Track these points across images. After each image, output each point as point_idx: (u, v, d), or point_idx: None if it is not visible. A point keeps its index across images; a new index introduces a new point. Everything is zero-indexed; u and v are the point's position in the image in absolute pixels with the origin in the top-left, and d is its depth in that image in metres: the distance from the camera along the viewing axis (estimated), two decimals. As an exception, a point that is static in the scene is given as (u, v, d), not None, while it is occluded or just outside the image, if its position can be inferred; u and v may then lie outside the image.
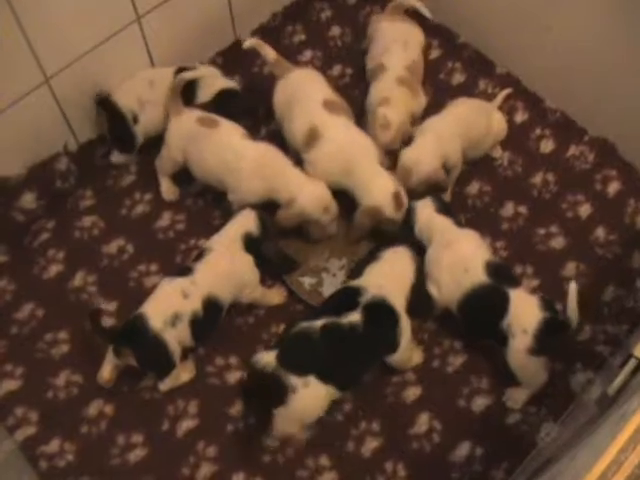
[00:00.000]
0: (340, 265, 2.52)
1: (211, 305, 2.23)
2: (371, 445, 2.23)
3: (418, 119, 2.66)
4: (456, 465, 2.20)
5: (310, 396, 2.05)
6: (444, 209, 2.38)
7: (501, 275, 2.23)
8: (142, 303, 2.22)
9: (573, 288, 2.08)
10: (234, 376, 2.33)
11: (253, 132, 2.56)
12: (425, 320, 2.40)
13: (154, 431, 2.24)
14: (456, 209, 2.51)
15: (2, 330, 2.39)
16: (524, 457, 2.19)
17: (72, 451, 2.21)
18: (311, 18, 3.10)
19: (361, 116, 2.67)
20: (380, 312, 2.15)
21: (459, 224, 2.37)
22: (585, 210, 2.64)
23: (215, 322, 2.30)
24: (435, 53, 3.00)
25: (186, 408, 2.27)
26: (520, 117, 2.84)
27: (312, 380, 2.04)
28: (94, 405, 2.28)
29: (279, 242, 2.45)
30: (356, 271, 2.30)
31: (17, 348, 2.36)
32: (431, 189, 2.46)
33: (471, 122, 2.56)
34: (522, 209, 2.64)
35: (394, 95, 2.58)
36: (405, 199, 2.42)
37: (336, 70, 2.96)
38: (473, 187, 2.68)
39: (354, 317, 2.10)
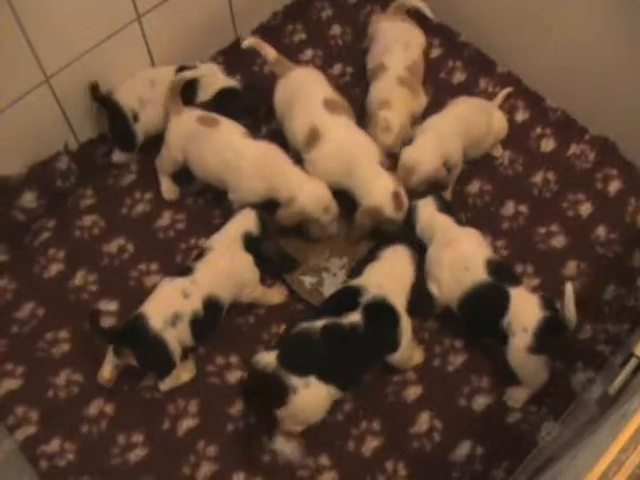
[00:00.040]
0: (341, 264, 2.52)
1: (211, 305, 2.23)
2: (371, 444, 2.23)
3: (418, 118, 2.66)
4: (457, 464, 2.20)
5: (311, 396, 2.05)
6: (445, 208, 2.38)
7: (502, 273, 2.23)
8: (142, 302, 2.22)
9: (569, 289, 2.08)
10: (234, 375, 2.33)
11: (254, 131, 2.56)
12: (425, 319, 2.40)
13: (154, 430, 2.24)
14: (457, 208, 2.51)
15: (3, 329, 2.39)
16: (525, 456, 2.19)
17: (72, 451, 2.21)
18: (312, 17, 3.10)
19: (362, 115, 2.66)
20: (381, 312, 2.15)
21: (460, 223, 2.37)
22: (586, 209, 2.63)
23: (215, 322, 2.30)
24: (436, 52, 3.00)
25: (186, 407, 2.27)
26: (521, 116, 2.83)
27: (313, 380, 2.04)
28: (94, 404, 2.28)
29: (279, 241, 2.45)
30: (356, 270, 2.30)
31: (17, 347, 2.36)
32: (432, 188, 2.46)
33: (472, 121, 2.56)
34: (523, 208, 2.63)
35: (395, 96, 2.58)
36: (405, 199, 2.41)
37: (337, 69, 2.96)
38: (474, 186, 2.68)
39: (354, 317, 2.10)
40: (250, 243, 2.34)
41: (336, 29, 3.07)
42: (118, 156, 2.68)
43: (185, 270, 2.26)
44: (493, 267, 2.23)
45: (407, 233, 2.40)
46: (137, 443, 2.23)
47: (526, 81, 2.87)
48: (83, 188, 2.65)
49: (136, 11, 2.53)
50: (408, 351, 2.24)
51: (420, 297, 2.28)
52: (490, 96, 2.82)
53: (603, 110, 2.68)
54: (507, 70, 2.91)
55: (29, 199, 2.54)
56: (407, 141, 2.52)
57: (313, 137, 2.45)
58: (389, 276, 2.23)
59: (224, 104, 2.58)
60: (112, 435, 2.24)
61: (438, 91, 2.85)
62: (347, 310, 2.11)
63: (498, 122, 2.67)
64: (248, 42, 2.61)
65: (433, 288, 2.30)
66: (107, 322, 2.39)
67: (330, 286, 2.46)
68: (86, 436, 2.23)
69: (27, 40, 2.27)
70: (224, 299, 2.27)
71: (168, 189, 2.63)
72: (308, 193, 2.39)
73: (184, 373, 2.28)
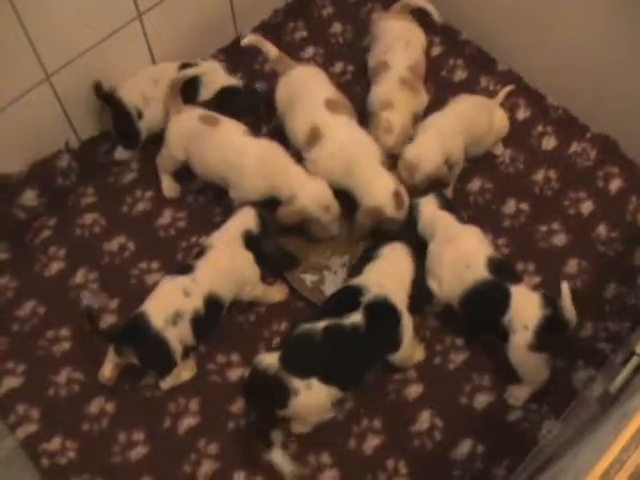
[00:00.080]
0: (342, 263, 2.51)
1: (212, 303, 2.23)
2: (372, 443, 2.23)
3: (420, 117, 2.65)
4: (458, 462, 2.20)
5: (312, 398, 2.06)
6: (447, 206, 2.38)
7: (503, 271, 2.23)
8: (143, 301, 2.22)
9: (565, 288, 2.07)
10: (235, 374, 2.33)
11: (255, 130, 2.55)
12: (426, 315, 2.40)
13: (155, 429, 2.25)
14: (458, 206, 2.50)
15: (3, 327, 2.39)
16: (526, 454, 2.19)
17: (73, 449, 2.21)
18: (312, 15, 3.09)
19: (363, 113, 2.66)
20: (382, 311, 2.15)
21: (461, 220, 2.36)
22: (587, 207, 2.63)
23: (216, 320, 2.30)
24: (437, 50, 2.99)
25: (187, 406, 2.27)
26: (522, 114, 2.83)
27: (314, 382, 2.04)
28: (95, 403, 2.28)
29: (280, 239, 2.45)
30: (355, 269, 2.30)
31: (18, 345, 2.36)
32: (433, 186, 2.46)
33: (473, 119, 2.56)
34: (524, 206, 2.63)
35: (396, 97, 2.58)
36: (406, 198, 2.41)
37: (338, 67, 2.96)
38: (475, 184, 2.68)
39: (356, 317, 2.10)
40: (250, 241, 2.33)
41: (337, 27, 3.07)
42: (121, 153, 2.68)
43: (186, 268, 2.26)
44: (494, 265, 2.23)
45: (408, 231, 2.40)
46: (138, 441, 2.23)
47: (527, 79, 2.87)
48: (84, 186, 2.65)
49: (137, 9, 2.52)
50: (409, 350, 2.24)
51: (419, 292, 2.28)
52: (491, 94, 2.81)
53: (604, 108, 2.68)
54: (508, 68, 2.91)
55: (30, 197, 2.54)
56: (408, 140, 2.52)
57: (314, 136, 2.45)
58: (389, 275, 2.23)
59: (225, 103, 2.58)
60: (113, 433, 2.24)
61: (439, 89, 2.85)
62: (348, 310, 2.11)
63: (499, 120, 2.67)
64: (248, 40, 2.61)
65: (434, 285, 2.30)
66: (108, 320, 2.40)
67: (331, 284, 2.46)
68: (87, 434, 2.23)
69: (28, 38, 2.27)
70: (225, 297, 2.27)
71: (169, 187, 2.63)
72: (309, 192, 2.39)
73: (185, 372, 2.28)
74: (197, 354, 2.34)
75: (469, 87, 2.88)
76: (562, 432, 2.13)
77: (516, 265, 2.48)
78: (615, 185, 2.67)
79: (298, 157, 2.48)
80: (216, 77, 2.65)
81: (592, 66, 2.61)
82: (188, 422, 2.25)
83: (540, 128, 2.80)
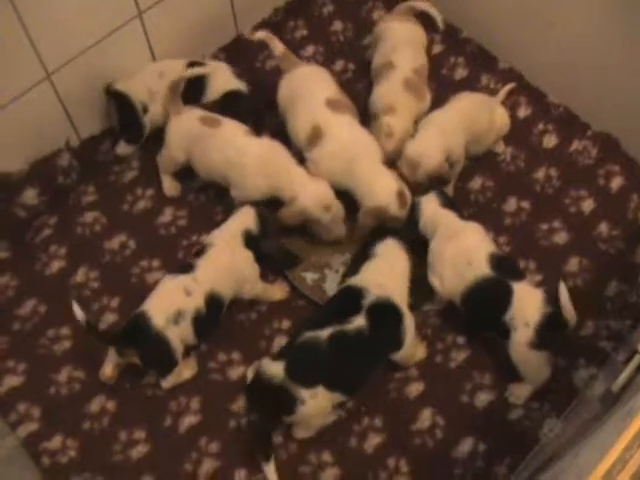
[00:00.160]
0: (343, 261, 2.51)
1: (213, 302, 2.23)
2: (374, 441, 2.23)
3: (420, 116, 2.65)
4: (459, 461, 2.20)
5: (318, 405, 2.07)
6: (448, 203, 2.38)
7: (505, 268, 2.23)
8: (144, 299, 2.22)
9: (563, 288, 2.07)
10: (236, 372, 2.33)
11: (256, 131, 2.53)
12: (427, 313, 2.40)
13: (156, 427, 2.24)
14: (459, 204, 2.49)
15: (4, 326, 2.39)
16: (527, 453, 2.19)
17: (74, 447, 2.21)
18: (313, 13, 3.09)
19: (365, 112, 2.66)
20: (385, 312, 2.15)
21: (463, 218, 2.36)
22: (588, 205, 2.63)
23: (217, 319, 2.29)
24: (438, 48, 2.99)
25: (188, 404, 2.27)
26: (523, 112, 2.83)
27: (320, 390, 2.05)
28: (96, 401, 2.28)
29: (282, 239, 2.45)
30: (352, 269, 2.30)
31: (19, 344, 2.36)
32: (434, 183, 2.45)
33: (474, 116, 2.55)
34: (525, 204, 2.63)
35: (399, 101, 2.57)
36: (409, 196, 2.41)
37: (338, 65, 2.95)
38: (476, 182, 2.67)
39: (359, 321, 2.09)
40: (250, 240, 2.34)
41: (337, 25, 3.06)
42: (123, 148, 2.68)
43: (186, 267, 2.26)
44: (496, 261, 2.23)
45: (409, 229, 2.40)
46: (139, 440, 2.23)
47: (528, 77, 2.87)
48: (84, 185, 2.65)
49: (137, 8, 2.52)
50: (411, 348, 2.24)
51: (419, 289, 2.29)
52: (492, 92, 2.81)
53: (605, 106, 2.68)
54: (509, 66, 2.90)
55: (30, 196, 2.54)
56: (409, 137, 2.52)
57: (315, 136, 2.44)
58: (388, 274, 2.23)
59: (229, 106, 2.57)
60: (114, 432, 2.24)
61: (440, 87, 2.84)
62: (350, 313, 2.11)
63: (500, 118, 2.67)
64: (259, 35, 2.61)
65: (436, 283, 2.30)
66: (109, 318, 2.40)
67: (332, 283, 2.46)
68: (88, 433, 2.23)
69: (28, 37, 2.27)
70: (225, 296, 2.27)
71: (169, 186, 2.63)
72: (310, 192, 2.38)
73: (186, 370, 2.28)
74: (198, 353, 2.34)
75: (470, 85, 2.88)
76: (563, 431, 2.13)
77: (517, 263, 2.48)
78: (616, 183, 2.67)
79: (300, 157, 2.48)
80: (223, 80, 2.63)
81: (593, 64, 2.61)
82: (189, 421, 2.25)
83: (541, 126, 2.80)
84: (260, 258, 2.35)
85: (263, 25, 3.00)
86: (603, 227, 2.58)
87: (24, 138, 2.50)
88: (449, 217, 2.34)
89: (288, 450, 2.20)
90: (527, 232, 2.57)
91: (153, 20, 2.60)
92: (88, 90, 2.57)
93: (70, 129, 2.63)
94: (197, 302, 2.20)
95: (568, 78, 2.73)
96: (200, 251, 2.30)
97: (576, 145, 2.74)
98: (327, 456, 2.21)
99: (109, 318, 2.40)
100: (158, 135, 2.58)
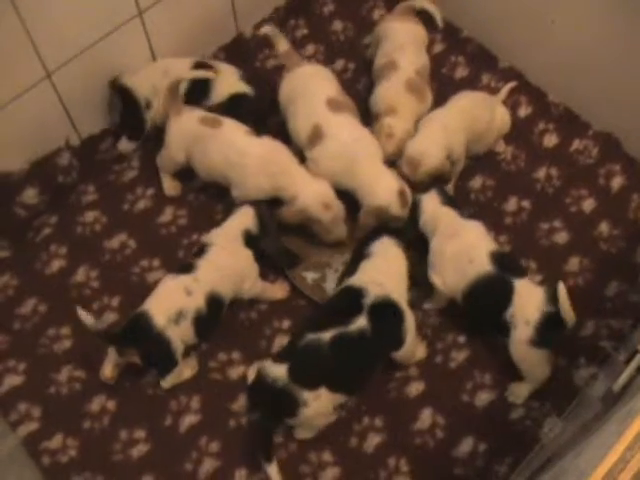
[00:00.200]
0: (343, 260, 2.50)
1: (214, 301, 2.23)
2: (374, 441, 2.23)
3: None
4: (459, 460, 2.20)
5: (321, 407, 2.07)
6: (449, 201, 2.38)
7: (506, 265, 2.23)
8: (144, 298, 2.22)
9: (562, 288, 2.07)
10: (237, 371, 2.33)
11: (257, 132, 2.53)
12: (427, 313, 2.40)
13: (157, 427, 2.25)
14: (459, 203, 2.49)
15: (5, 325, 2.39)
16: (527, 452, 2.19)
17: (75, 447, 2.21)
18: (314, 12, 3.09)
19: (366, 112, 2.65)
20: (386, 311, 2.14)
21: (463, 216, 2.36)
22: (589, 205, 2.63)
23: (217, 319, 2.29)
24: (438, 47, 2.99)
25: (188, 403, 2.27)
26: (524, 111, 2.83)
27: (323, 392, 2.05)
28: (96, 401, 2.28)
29: (282, 238, 2.44)
30: (350, 269, 2.30)
31: (20, 344, 2.36)
32: (435, 181, 2.45)
33: (475, 115, 2.55)
34: (525, 204, 2.63)
35: (401, 103, 2.57)
36: (409, 195, 2.41)
37: (339, 64, 2.95)
38: (476, 182, 2.67)
39: (361, 322, 2.09)
40: (250, 239, 2.34)
41: (338, 24, 3.06)
42: (124, 145, 2.69)
43: (187, 267, 2.26)
44: (497, 258, 2.23)
45: (409, 227, 2.40)
46: (139, 439, 2.23)
47: (529, 76, 2.87)
48: (85, 184, 2.65)
49: (138, 7, 2.52)
50: (412, 347, 2.24)
51: (418, 284, 2.31)
52: (492, 92, 2.80)
53: (606, 106, 2.68)
54: (509, 66, 2.90)
55: (31, 195, 2.54)
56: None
57: (316, 135, 2.44)
58: (385, 272, 2.23)
59: (235, 109, 2.56)
60: (114, 431, 2.24)
61: (441, 87, 2.84)
62: (351, 313, 2.11)
63: (501, 117, 2.67)
64: (265, 30, 2.60)
65: (437, 281, 2.30)
66: (109, 317, 2.40)
67: (332, 282, 2.46)
68: (88, 432, 2.23)
69: (29, 36, 2.27)
70: (225, 295, 2.27)
71: (169, 186, 2.63)
72: (311, 192, 2.38)
73: (186, 370, 2.28)
74: (198, 352, 2.34)
75: (470, 84, 2.87)
76: (564, 431, 2.12)
77: (518, 263, 2.48)
78: (617, 183, 2.67)
79: (300, 156, 2.48)
80: (229, 83, 2.62)
81: (594, 63, 2.61)
82: (189, 420, 2.25)
83: (542, 125, 2.80)
84: (260, 257, 2.35)
85: (263, 25, 2.97)
86: (604, 227, 2.58)
87: (24, 137, 2.50)
88: (450, 215, 2.34)
89: (288, 450, 2.20)
90: (527, 231, 2.57)
91: (153, 19, 2.59)
92: (88, 89, 2.57)
93: (70, 128, 2.62)
94: (198, 302, 2.20)
95: (569, 77, 2.73)
96: (200, 250, 2.30)
97: (577, 144, 2.74)
98: (327, 456, 2.20)
99: (109, 317, 2.40)
100: (158, 135, 2.58)
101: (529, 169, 2.70)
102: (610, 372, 2.08)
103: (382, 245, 2.30)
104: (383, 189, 2.38)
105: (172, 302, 2.18)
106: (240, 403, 2.28)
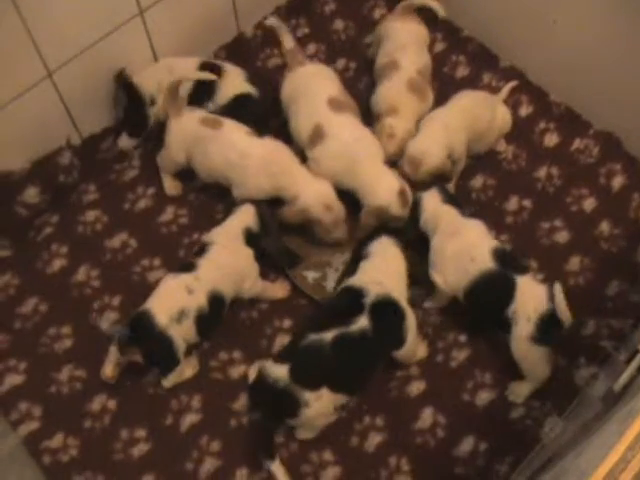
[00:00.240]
0: (344, 260, 2.50)
1: (215, 300, 2.23)
2: (375, 440, 2.23)
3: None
4: (460, 460, 2.20)
5: (322, 407, 2.07)
6: (450, 199, 2.38)
7: (508, 261, 2.23)
8: (145, 297, 2.22)
9: (558, 289, 2.07)
10: (237, 371, 2.33)
11: (258, 132, 2.52)
12: (428, 312, 2.40)
13: (157, 426, 2.25)
14: (460, 202, 2.50)
15: (6, 325, 2.39)
16: (528, 452, 2.19)
17: (75, 446, 2.21)
18: (315, 11, 3.09)
19: (367, 112, 2.65)
20: (387, 310, 2.14)
21: (464, 215, 2.36)
22: (589, 204, 2.63)
23: (219, 318, 2.29)
24: (439, 46, 2.98)
25: (189, 403, 2.27)
26: (524, 111, 2.82)
27: (325, 392, 2.05)
28: (97, 400, 2.28)
29: (283, 237, 2.44)
30: (350, 270, 2.30)
31: (20, 343, 2.37)
32: (436, 180, 2.45)
33: (476, 114, 2.55)
34: (526, 203, 2.63)
35: (402, 103, 2.57)
36: (410, 195, 2.41)
37: (340, 64, 2.95)
38: (477, 181, 2.67)
39: (362, 322, 2.09)
40: (250, 238, 2.34)
41: (339, 24, 3.06)
42: (125, 141, 2.69)
43: (188, 266, 2.26)
44: (499, 255, 2.22)
45: (409, 225, 2.40)
46: (140, 438, 2.23)
47: (530, 76, 2.86)
48: (86, 183, 2.65)
49: (139, 6, 2.52)
50: (413, 345, 2.24)
51: (418, 283, 2.31)
52: (493, 91, 2.80)
53: (607, 105, 2.67)
54: (510, 65, 2.90)
55: (32, 194, 2.54)
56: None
57: (317, 135, 2.44)
58: (385, 272, 2.23)
59: (239, 110, 2.56)
60: (115, 430, 2.24)
61: (442, 86, 2.84)
62: (351, 313, 2.11)
63: (502, 116, 2.67)
64: (270, 22, 2.61)
65: (438, 279, 2.30)
66: (110, 317, 2.40)
67: (333, 281, 2.46)
68: (89, 431, 2.24)
69: (30, 35, 2.27)
70: (227, 294, 2.27)
71: (170, 186, 2.63)
72: (311, 192, 2.38)
73: (187, 369, 2.28)
74: (199, 351, 2.34)
75: (471, 84, 2.87)
76: (564, 430, 2.12)
77: (518, 262, 2.48)
78: (618, 182, 2.67)
79: (302, 156, 2.48)
80: (234, 85, 2.62)
81: (595, 63, 2.60)
82: (190, 419, 2.25)
83: (543, 125, 2.79)
84: (261, 256, 2.36)
85: (264, 24, 2.99)
86: (604, 226, 2.58)
87: (25, 137, 2.50)
88: (451, 213, 2.33)
89: (289, 449, 2.20)
90: (528, 231, 2.57)
91: (154, 18, 2.59)
92: (89, 89, 2.57)
93: (71, 127, 2.62)
94: (199, 301, 2.20)
95: (570, 77, 2.73)
96: (201, 249, 2.30)
97: (577, 144, 2.74)
98: (328, 455, 2.20)
99: (110, 316, 2.40)
100: (159, 134, 2.57)
101: (530, 168, 2.70)
102: (611, 372, 2.08)
103: (381, 245, 2.30)
104: (384, 189, 2.38)
105: (174, 301, 2.18)
106: (241, 402, 2.28)
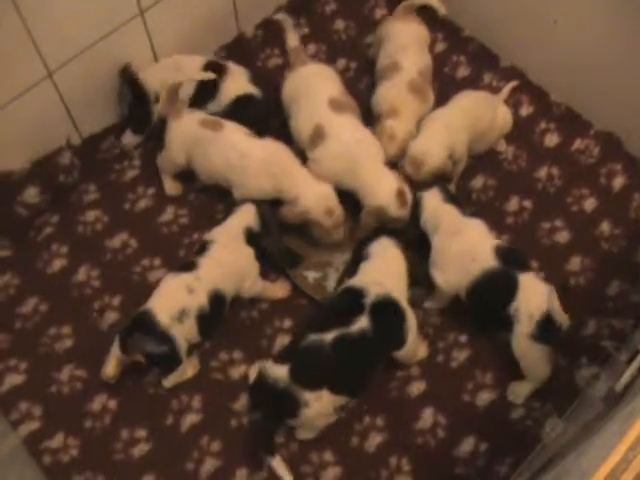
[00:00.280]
0: (344, 259, 2.50)
1: (216, 300, 2.23)
2: (375, 440, 2.23)
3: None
4: (460, 460, 2.20)
5: (322, 408, 2.07)
6: (451, 199, 2.38)
7: (511, 259, 2.22)
8: (146, 297, 2.22)
9: (552, 292, 2.06)
10: (238, 371, 2.33)
11: (259, 133, 2.52)
12: (429, 312, 2.40)
13: (158, 426, 2.24)
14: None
15: (6, 325, 2.39)
16: (529, 452, 2.18)
17: (76, 446, 2.21)
18: (315, 11, 3.08)
19: (367, 112, 2.65)
20: (387, 310, 2.14)
21: (465, 214, 2.36)
22: (590, 204, 2.63)
23: (220, 317, 2.29)
24: (440, 46, 2.98)
25: (190, 403, 2.27)
26: (525, 111, 2.82)
27: (325, 393, 2.05)
28: (98, 400, 2.28)
29: (283, 238, 2.44)
30: (350, 271, 2.30)
31: (21, 343, 2.36)
32: (437, 179, 2.45)
33: (477, 115, 2.55)
34: (527, 203, 2.63)
35: (403, 104, 2.56)
36: (409, 195, 2.41)
37: (340, 64, 2.95)
38: (478, 181, 2.67)
39: (362, 322, 2.09)
40: (251, 237, 2.34)
41: (340, 24, 3.06)
42: (128, 138, 2.69)
43: (188, 265, 2.26)
44: (502, 253, 2.22)
45: (410, 225, 2.40)
46: (140, 438, 2.23)
47: (530, 76, 2.86)
48: (86, 183, 2.65)
49: (139, 6, 2.52)
50: (414, 345, 2.24)
51: (418, 283, 2.31)
52: (494, 91, 2.80)
53: (608, 105, 2.67)
54: (511, 65, 2.90)
55: (32, 194, 2.54)
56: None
57: (318, 135, 2.44)
58: (385, 272, 2.23)
59: (241, 111, 2.56)
60: (115, 430, 2.24)
61: (442, 86, 2.83)
62: (352, 313, 2.10)
63: (503, 116, 2.67)
64: (279, 16, 2.62)
65: (439, 279, 2.30)
66: (110, 317, 2.40)
67: (334, 281, 2.46)
68: (89, 431, 2.23)
69: (30, 35, 2.26)
70: (227, 294, 2.27)
71: (170, 186, 2.62)
72: (313, 194, 2.38)
73: (188, 369, 2.27)
74: (200, 351, 2.34)
75: (472, 84, 2.87)
76: (565, 431, 2.12)
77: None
78: (618, 182, 2.67)
79: (302, 156, 2.48)
80: (237, 86, 2.61)
81: (596, 63, 2.60)
82: (191, 419, 2.25)
83: (543, 125, 2.79)
84: (261, 256, 2.36)
85: (264, 24, 2.99)
86: (605, 226, 2.58)
87: (25, 136, 2.49)
88: (452, 213, 2.33)
89: (289, 449, 2.20)
90: (529, 231, 2.57)
91: (155, 18, 2.59)
92: (89, 89, 2.57)
93: (71, 127, 2.62)
94: (200, 300, 2.20)
95: (570, 77, 2.72)
96: (202, 248, 2.30)
97: (578, 144, 2.74)
98: (329, 455, 2.20)
99: (110, 316, 2.40)
100: (159, 135, 2.57)
101: (530, 168, 2.70)
102: (612, 372, 2.08)
103: (380, 246, 2.30)
104: (384, 190, 2.38)
105: (175, 301, 2.18)
106: (241, 403, 2.27)
